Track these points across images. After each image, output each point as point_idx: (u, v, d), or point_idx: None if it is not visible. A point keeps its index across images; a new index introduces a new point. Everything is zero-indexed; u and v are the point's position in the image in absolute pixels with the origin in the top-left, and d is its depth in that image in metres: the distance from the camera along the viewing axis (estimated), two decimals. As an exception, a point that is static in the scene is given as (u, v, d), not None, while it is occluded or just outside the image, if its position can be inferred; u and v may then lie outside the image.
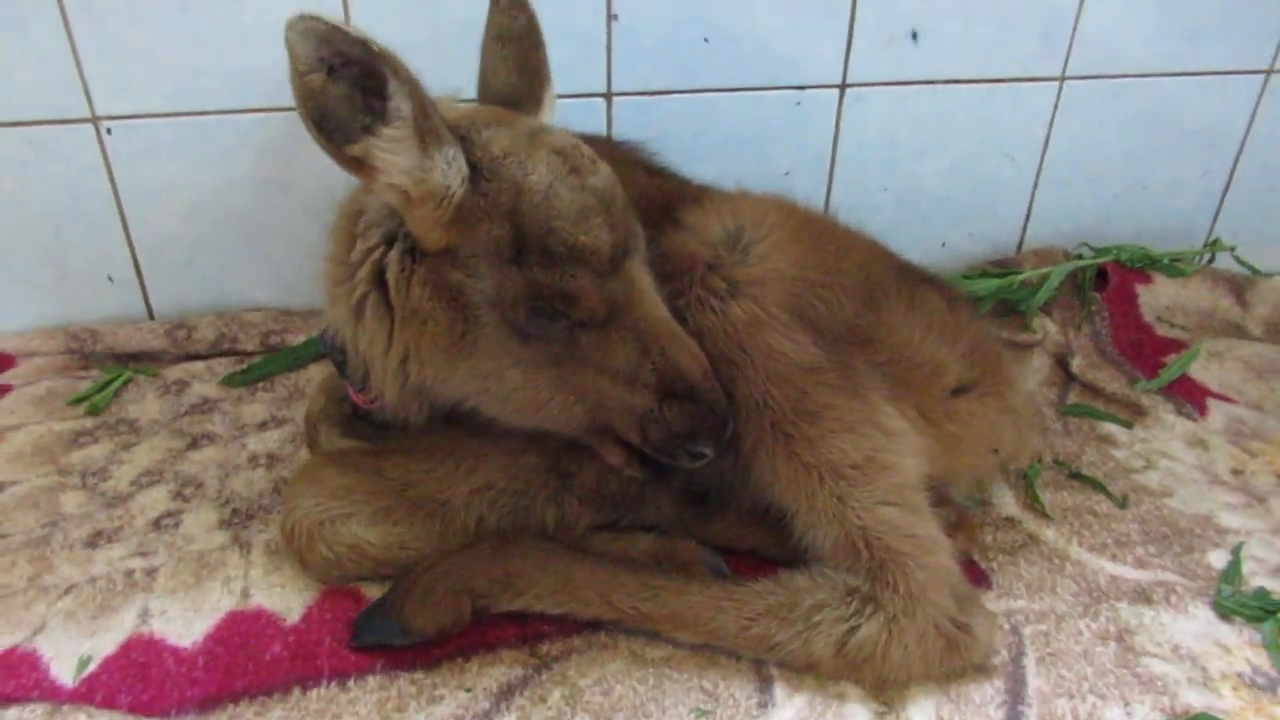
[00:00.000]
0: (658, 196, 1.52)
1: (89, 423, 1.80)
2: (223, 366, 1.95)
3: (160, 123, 1.83)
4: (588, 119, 1.89)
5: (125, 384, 1.89)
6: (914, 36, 2.01)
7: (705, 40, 1.92)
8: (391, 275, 1.26)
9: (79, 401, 1.84)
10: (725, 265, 1.37)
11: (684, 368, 1.28)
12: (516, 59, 1.43)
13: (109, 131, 1.82)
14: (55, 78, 1.76)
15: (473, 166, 1.23)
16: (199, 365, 1.95)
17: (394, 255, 1.26)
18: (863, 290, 1.44)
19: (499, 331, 1.25)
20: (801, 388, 1.34)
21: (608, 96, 1.93)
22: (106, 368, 1.93)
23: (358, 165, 1.18)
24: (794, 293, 1.38)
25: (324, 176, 1.89)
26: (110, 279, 1.97)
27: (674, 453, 1.30)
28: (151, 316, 2.02)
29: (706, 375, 1.30)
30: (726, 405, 1.31)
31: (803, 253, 1.41)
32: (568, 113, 1.81)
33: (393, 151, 1.17)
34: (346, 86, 1.13)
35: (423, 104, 1.16)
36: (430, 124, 1.17)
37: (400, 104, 1.15)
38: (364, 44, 1.10)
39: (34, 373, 1.92)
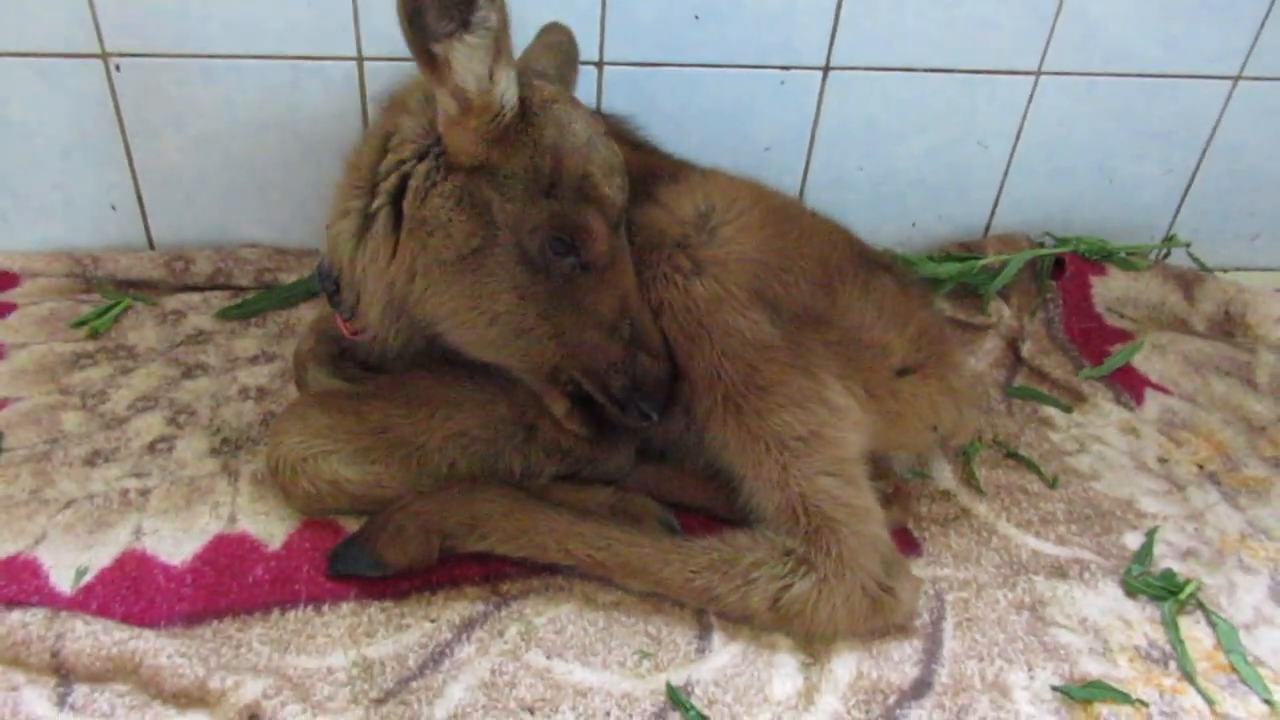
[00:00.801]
0: (637, 170, 1.59)
1: (89, 346, 1.90)
2: (218, 300, 2.04)
3: (167, 62, 1.90)
4: (580, 86, 1.96)
5: (125, 310, 1.98)
6: (895, 27, 2.08)
7: (696, 17, 1.99)
8: (414, 184, 1.37)
9: (80, 325, 1.93)
10: (693, 244, 1.47)
11: (648, 330, 1.44)
12: (557, 64, 1.62)
13: (118, 68, 1.89)
14: (69, 13, 1.82)
15: (522, 100, 1.35)
16: (195, 297, 2.04)
17: (421, 167, 1.37)
18: (821, 275, 1.53)
19: (509, 255, 1.37)
20: (753, 364, 1.45)
21: (599, 65, 2.01)
22: (107, 293, 2.02)
23: (433, 64, 1.28)
24: (755, 274, 1.48)
25: (322, 123, 2.00)
26: (113, 208, 2.06)
27: (626, 404, 1.45)
28: (152, 246, 2.11)
29: (661, 343, 1.46)
30: (675, 373, 1.47)
31: (767, 237, 1.51)
32: (559, 78, 1.89)
33: (470, 58, 1.28)
34: None
35: (505, 23, 1.28)
36: (507, 43, 1.29)
37: (489, 15, 1.25)
38: None
39: (38, 293, 2.01)
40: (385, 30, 1.89)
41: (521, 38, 1.89)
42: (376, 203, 1.40)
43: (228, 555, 1.51)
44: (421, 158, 1.38)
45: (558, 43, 1.63)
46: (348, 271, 1.45)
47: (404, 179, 1.38)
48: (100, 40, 1.86)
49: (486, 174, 1.35)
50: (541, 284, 1.38)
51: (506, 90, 1.32)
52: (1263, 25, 2.18)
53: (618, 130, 1.74)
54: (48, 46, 1.85)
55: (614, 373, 1.43)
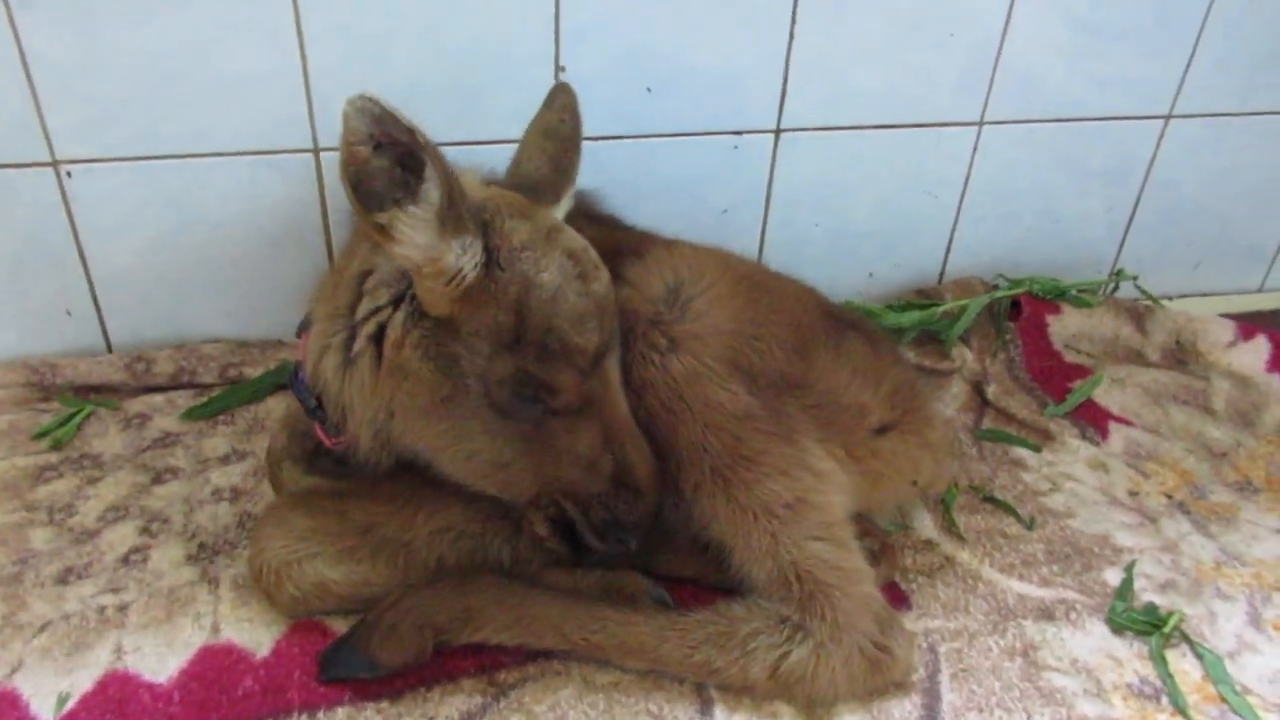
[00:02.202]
0: (602, 248, 1.60)
1: (53, 457, 1.85)
2: (183, 399, 2.01)
3: (119, 166, 1.88)
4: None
5: (87, 417, 1.94)
6: (842, 88, 2.13)
7: (648, 90, 2.03)
8: (391, 333, 1.36)
9: (42, 435, 1.89)
10: (665, 321, 1.49)
11: (636, 465, 1.40)
12: (553, 155, 1.54)
13: (69, 175, 1.87)
14: (17, 125, 1.80)
15: (489, 251, 1.33)
16: (159, 398, 2.00)
17: (399, 317, 1.35)
18: (794, 340, 1.56)
19: (479, 402, 1.35)
20: (737, 434, 1.46)
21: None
22: (67, 400, 1.97)
23: (380, 230, 1.27)
24: (730, 345, 1.49)
25: (281, 215, 2.00)
26: (69, 313, 2.02)
27: (605, 535, 1.43)
28: (110, 349, 2.07)
29: (653, 475, 1.42)
30: (659, 506, 1.45)
31: (738, 307, 1.53)
32: (517, 157, 1.91)
33: (414, 229, 1.26)
34: (388, 162, 1.22)
35: (451, 195, 1.25)
36: (454, 213, 1.26)
37: (431, 191, 1.24)
38: (411, 132, 1.19)
39: (-6, 406, 1.96)
40: (339, 121, 1.89)
41: (480, 112, 1.96)
42: (358, 346, 1.38)
43: (215, 668, 1.47)
44: (397, 303, 1.37)
45: (557, 125, 1.56)
46: (334, 397, 1.44)
47: (381, 325, 1.37)
48: (50, 149, 1.83)
49: (451, 328, 1.34)
50: (515, 427, 1.37)
51: (462, 255, 1.29)
52: (1187, 68, 2.28)
53: (580, 206, 1.76)
54: (-4, 158, 1.83)
55: (595, 504, 1.42)
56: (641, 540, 1.45)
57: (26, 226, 1.90)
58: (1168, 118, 2.34)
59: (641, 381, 1.47)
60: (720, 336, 1.49)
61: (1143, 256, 2.53)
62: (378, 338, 1.37)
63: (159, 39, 1.78)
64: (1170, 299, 2.54)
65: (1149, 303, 2.44)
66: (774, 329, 1.55)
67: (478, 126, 1.98)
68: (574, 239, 1.43)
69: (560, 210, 1.54)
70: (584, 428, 1.39)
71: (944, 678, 1.53)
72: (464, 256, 1.30)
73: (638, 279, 1.54)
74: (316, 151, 1.95)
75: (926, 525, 1.83)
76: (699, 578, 1.62)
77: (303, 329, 1.53)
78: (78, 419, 1.93)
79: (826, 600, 1.44)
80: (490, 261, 1.33)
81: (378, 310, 1.38)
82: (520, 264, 1.34)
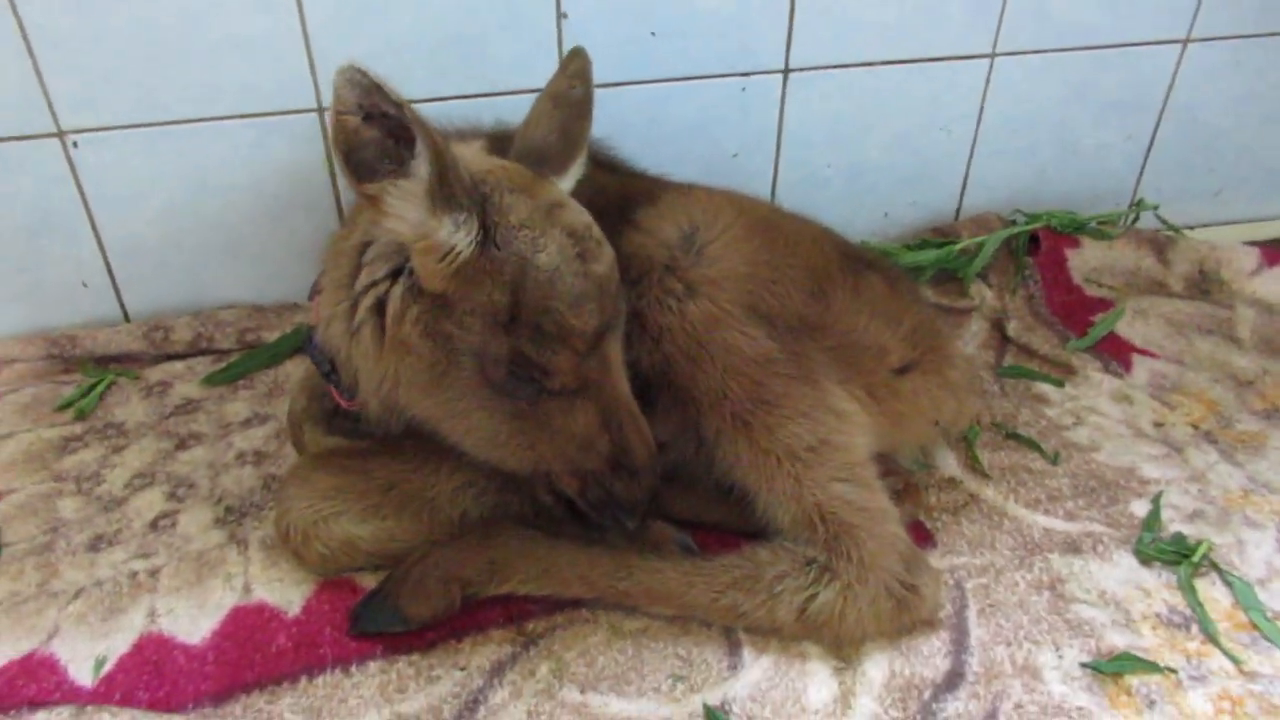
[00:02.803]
0: (615, 196, 1.60)
1: (77, 428, 1.87)
2: (202, 365, 2.01)
3: (126, 134, 1.87)
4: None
5: (109, 387, 1.95)
6: (850, 24, 2.09)
7: (652, 34, 1.99)
8: (391, 307, 1.34)
9: (65, 407, 1.90)
10: (681, 267, 1.47)
11: (634, 447, 1.38)
12: (562, 123, 1.47)
13: (75, 145, 1.86)
14: (20, 96, 1.79)
15: (485, 228, 1.29)
16: (178, 365, 2.01)
17: (397, 290, 1.33)
18: (810, 282, 1.54)
19: (474, 378, 1.33)
20: (757, 379, 1.45)
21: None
22: (88, 371, 1.99)
23: (371, 201, 1.25)
24: (747, 289, 1.48)
25: (289, 177, 1.99)
26: (85, 284, 2.02)
27: (601, 511, 1.42)
28: (127, 319, 2.08)
29: (651, 457, 1.40)
30: (656, 487, 1.42)
31: (754, 250, 1.52)
32: (525, 106, 1.88)
33: (403, 201, 1.24)
34: (378, 133, 1.19)
35: (443, 171, 1.22)
36: (445, 190, 1.23)
37: (420, 166, 1.22)
38: (400, 106, 1.16)
39: (16, 379, 1.97)
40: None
41: (483, 62, 1.94)
42: (359, 318, 1.37)
43: (247, 627, 1.49)
44: (395, 275, 1.34)
45: (568, 92, 1.49)
46: (344, 361, 1.43)
47: (380, 298, 1.35)
48: (55, 119, 1.83)
49: (445, 306, 1.31)
50: (510, 404, 1.35)
51: (455, 232, 1.27)
52: (1207, -12, 2.23)
53: (591, 153, 1.74)
54: (2, 130, 1.82)
55: (592, 483, 1.40)
56: (639, 519, 1.44)
57: (37, 199, 1.90)
58: (1185, 41, 2.28)
59: (659, 328, 1.46)
60: (736, 280, 1.48)
61: (1163, 186, 2.49)
62: (378, 310, 1.36)
63: (156, 4, 1.76)
64: (1192, 229, 2.49)
65: (1170, 233, 2.40)
66: (791, 271, 1.54)
67: (480, 78, 1.96)
68: (577, 216, 1.38)
69: (567, 181, 1.48)
70: (581, 408, 1.36)
71: (971, 613, 1.53)
72: (457, 234, 1.27)
73: (651, 225, 1.53)
74: (320, 111, 1.93)
75: (950, 463, 1.82)
76: (723, 523, 1.62)
77: (314, 291, 1.53)
78: (99, 389, 1.94)
79: (852, 541, 1.44)
80: (487, 239, 1.30)
81: (375, 283, 1.36)
82: (517, 243, 1.30)
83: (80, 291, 2.03)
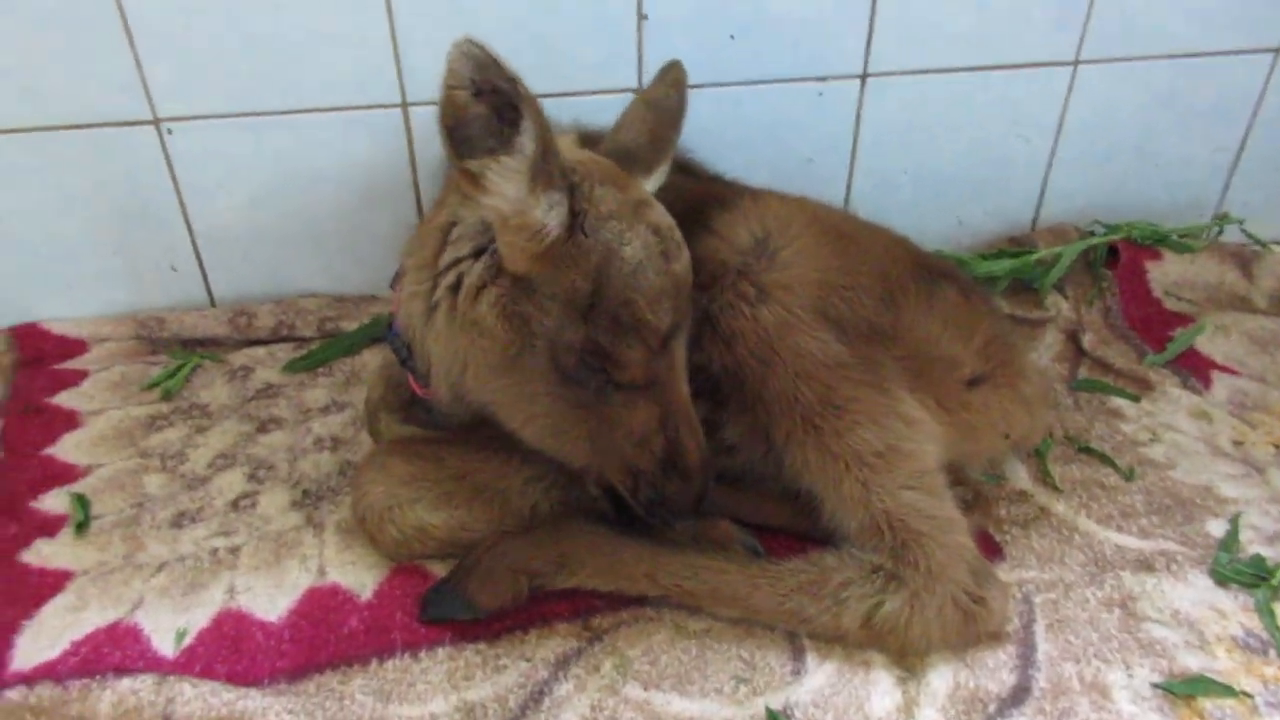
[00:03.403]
0: (691, 199, 1.61)
1: (164, 407, 1.94)
2: (283, 352, 2.07)
3: (218, 123, 1.94)
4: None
5: (194, 369, 2.02)
6: (930, 29, 2.08)
7: (731, 37, 2.00)
8: (468, 282, 1.37)
9: (153, 386, 1.97)
10: (754, 271, 1.48)
11: (688, 449, 1.40)
12: (653, 128, 1.51)
13: (169, 132, 1.93)
14: (119, 84, 1.86)
15: (574, 214, 1.31)
16: (260, 351, 2.08)
17: (477, 267, 1.36)
18: (882, 290, 1.54)
19: (545, 364, 1.35)
20: (828, 383, 1.46)
21: (639, 91, 2.02)
22: (174, 353, 2.06)
23: (471, 178, 1.27)
24: (818, 295, 1.49)
25: (372, 170, 2.04)
26: (174, 268, 2.09)
27: (650, 509, 1.43)
28: (213, 304, 2.15)
29: (704, 462, 1.41)
30: (705, 491, 1.43)
31: (826, 256, 1.52)
32: (603, 107, 1.92)
33: (505, 179, 1.26)
34: (486, 109, 1.21)
35: (546, 149, 1.24)
36: (546, 168, 1.26)
37: (526, 143, 1.24)
38: (513, 81, 1.19)
39: (106, 358, 2.05)
40: (428, 75, 1.90)
41: (563, 62, 1.97)
42: (436, 296, 1.40)
43: (321, 608, 1.53)
44: (478, 254, 1.37)
45: (662, 99, 1.54)
46: (419, 344, 1.47)
47: (461, 275, 1.38)
48: (151, 106, 1.89)
49: (526, 287, 1.33)
50: (576, 393, 1.37)
51: (548, 212, 1.29)
52: (1299, -3, 2.17)
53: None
54: (100, 117, 1.89)
55: (643, 482, 1.42)
56: (687, 520, 1.46)
57: (131, 185, 1.97)
58: (1276, 51, 2.22)
59: (731, 332, 1.47)
60: (808, 286, 1.49)
61: (1250, 199, 2.42)
62: (457, 289, 1.38)
63: (252, -2, 1.82)
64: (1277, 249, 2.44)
65: (1256, 247, 2.34)
66: (862, 279, 1.54)
67: (560, 77, 1.99)
68: (661, 215, 1.40)
69: (652, 183, 1.51)
70: (642, 405, 1.38)
71: (1039, 628, 1.51)
72: (550, 213, 1.29)
73: (725, 229, 1.54)
74: (405, 106, 1.97)
75: (1021, 476, 1.80)
76: (789, 527, 1.63)
77: (396, 281, 1.57)
78: (185, 371, 2.00)
79: (919, 549, 1.44)
80: (575, 225, 1.32)
81: (459, 261, 1.39)
82: (605, 232, 1.33)
83: (169, 275, 2.10)
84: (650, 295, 1.32)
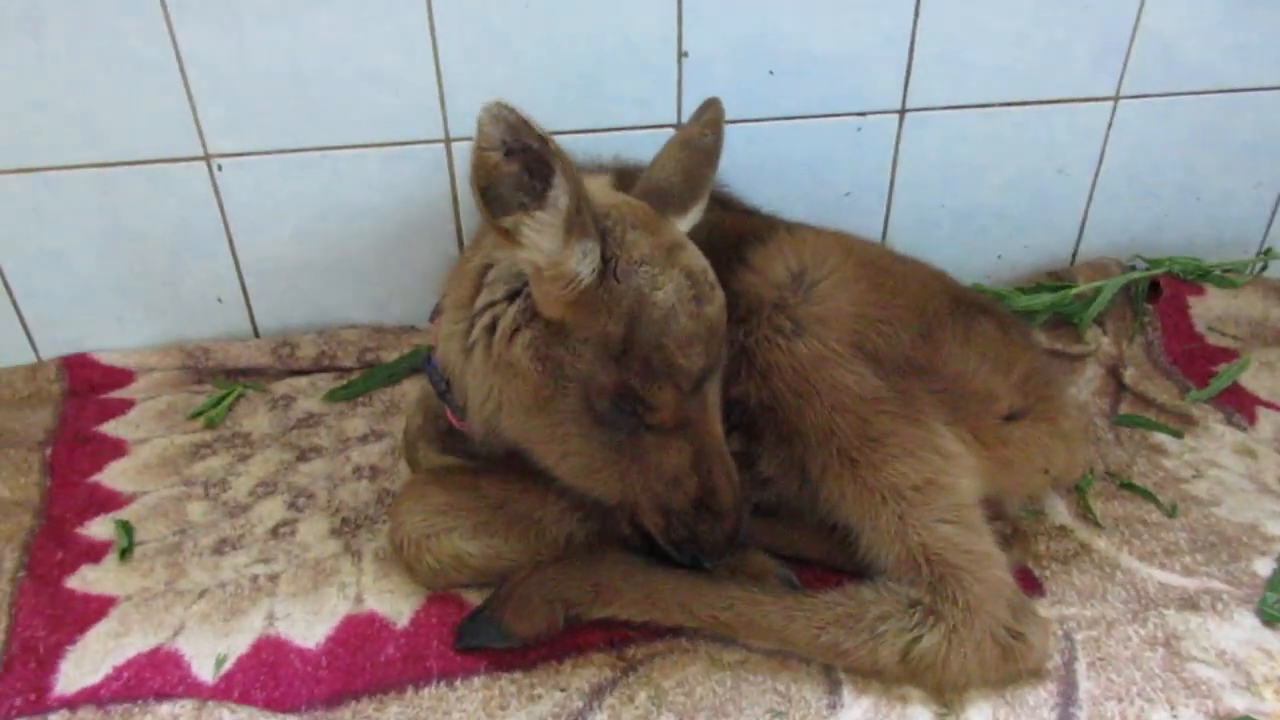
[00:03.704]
0: (728, 234, 1.62)
1: (207, 436, 1.97)
2: (324, 382, 2.11)
3: (266, 159, 1.99)
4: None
5: (237, 399, 2.06)
6: (969, 65, 2.09)
7: (770, 73, 2.03)
8: (502, 325, 1.38)
9: (197, 415, 2.01)
10: (790, 305, 1.49)
11: (721, 490, 1.40)
12: (688, 167, 1.51)
13: (219, 168, 1.98)
14: (174, 122, 1.92)
15: (606, 260, 1.33)
16: (302, 381, 2.11)
17: (511, 311, 1.38)
18: (918, 324, 1.54)
19: (578, 405, 1.37)
20: (864, 416, 1.46)
21: (678, 127, 2.05)
22: (218, 382, 2.10)
23: (505, 234, 1.29)
24: (854, 329, 1.49)
25: (414, 205, 2.07)
26: (219, 300, 2.14)
27: (681, 549, 1.44)
28: (257, 334, 2.19)
29: (736, 503, 1.42)
30: (738, 531, 1.44)
31: (862, 290, 1.52)
32: (643, 142, 1.95)
33: (539, 233, 1.28)
34: (517, 167, 1.23)
35: (579, 201, 1.26)
36: (580, 220, 1.27)
37: (560, 197, 1.25)
38: (544, 140, 1.20)
39: (153, 387, 2.09)
40: (471, 110, 1.94)
41: (604, 99, 2.00)
42: (473, 336, 1.42)
43: (358, 635, 1.55)
44: (513, 298, 1.39)
45: (698, 139, 1.54)
46: (457, 380, 1.49)
47: (496, 318, 1.40)
48: (203, 143, 1.95)
49: (560, 332, 1.35)
50: (609, 434, 1.38)
51: (582, 260, 1.30)
52: (1342, 32, 2.15)
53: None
54: (155, 153, 1.94)
55: (675, 521, 1.43)
56: (719, 560, 1.46)
57: (181, 218, 2.02)
58: (1320, 87, 2.22)
59: (767, 365, 1.47)
60: (844, 320, 1.49)
61: (1294, 235, 2.41)
62: (492, 330, 1.40)
63: (301, 37, 1.87)
64: (1324, 281, 2.40)
65: (1301, 282, 2.31)
66: (898, 313, 1.54)
67: (601, 113, 2.02)
68: (695, 258, 1.41)
69: (687, 222, 1.52)
70: (675, 446, 1.39)
71: (1080, 666, 1.49)
72: (583, 262, 1.30)
73: (761, 264, 1.55)
74: (448, 141, 2.01)
75: (1061, 512, 1.79)
76: (826, 560, 1.62)
77: (435, 315, 1.59)
78: (229, 400, 2.04)
79: (957, 584, 1.43)
80: (607, 271, 1.33)
81: (493, 304, 1.41)
82: (636, 278, 1.34)
83: (215, 306, 2.15)
84: (682, 339, 1.33)
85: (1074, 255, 2.38)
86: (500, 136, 1.20)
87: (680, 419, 1.37)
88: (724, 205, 1.80)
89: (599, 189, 1.45)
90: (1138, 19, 2.09)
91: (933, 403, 1.52)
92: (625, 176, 1.57)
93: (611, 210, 1.38)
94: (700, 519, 1.41)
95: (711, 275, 1.41)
